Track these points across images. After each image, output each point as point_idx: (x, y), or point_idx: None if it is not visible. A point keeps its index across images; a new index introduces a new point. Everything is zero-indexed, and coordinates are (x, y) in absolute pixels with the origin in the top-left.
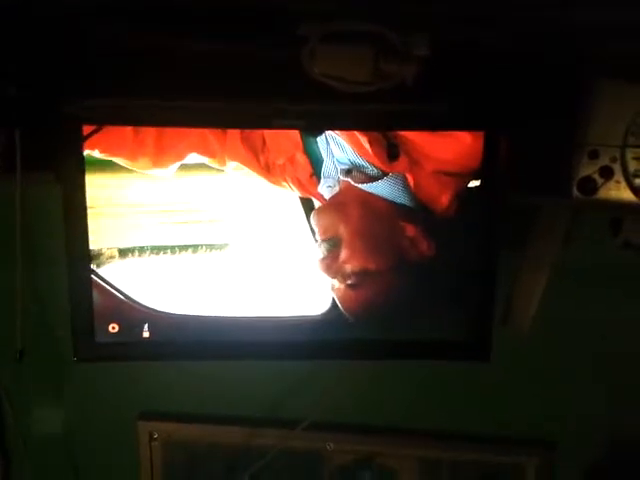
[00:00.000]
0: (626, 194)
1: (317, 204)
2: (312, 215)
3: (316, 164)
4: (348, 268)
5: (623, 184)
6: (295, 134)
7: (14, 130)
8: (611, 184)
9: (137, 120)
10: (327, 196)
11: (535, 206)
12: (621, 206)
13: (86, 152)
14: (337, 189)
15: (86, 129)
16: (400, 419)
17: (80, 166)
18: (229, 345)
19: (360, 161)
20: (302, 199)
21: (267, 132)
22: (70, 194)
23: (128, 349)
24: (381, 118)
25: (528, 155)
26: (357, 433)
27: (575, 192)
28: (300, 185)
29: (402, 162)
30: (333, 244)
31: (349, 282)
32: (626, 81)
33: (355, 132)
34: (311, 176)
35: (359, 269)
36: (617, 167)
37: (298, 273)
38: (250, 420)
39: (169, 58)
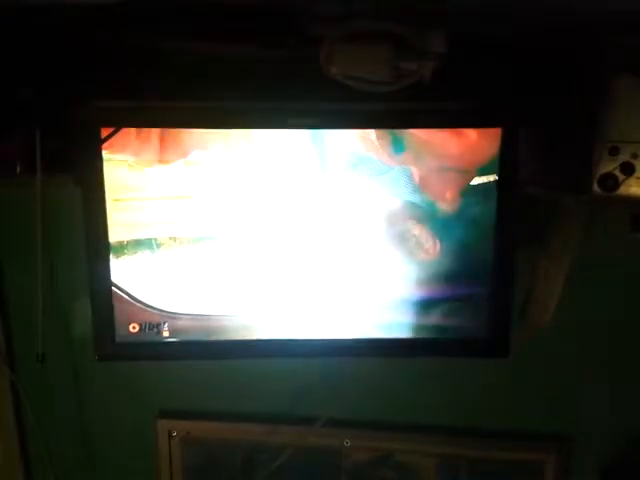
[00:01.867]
0: None
1: None
2: None
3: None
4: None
5: None
6: None
7: (33, 132)
8: (632, 180)
9: (152, 121)
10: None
11: (555, 202)
12: None
13: None
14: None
15: (104, 131)
16: (418, 416)
17: (99, 167)
18: (247, 344)
19: (366, 154)
20: None
21: None
22: (89, 195)
23: (148, 348)
24: (397, 116)
25: (548, 152)
26: (375, 430)
27: (595, 188)
28: None
29: (407, 156)
30: None
31: None
32: None
33: None
34: None
35: None
36: (638, 163)
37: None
38: (268, 417)
39: (185, 59)
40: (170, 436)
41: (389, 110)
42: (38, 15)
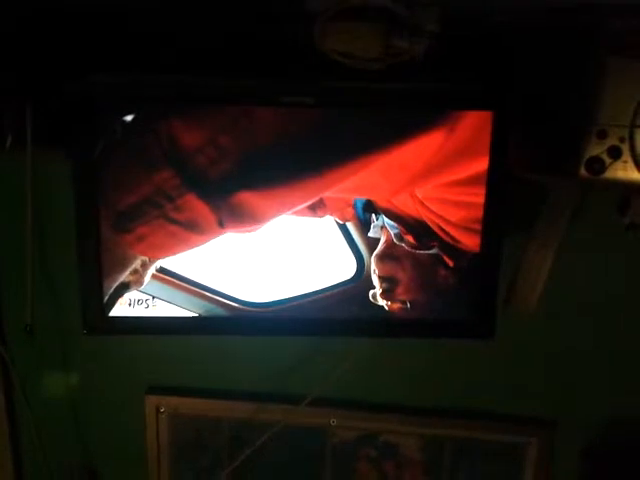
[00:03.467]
0: (634, 174)
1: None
2: (372, 258)
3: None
4: (401, 297)
5: (631, 164)
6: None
7: (25, 105)
8: (619, 164)
9: (146, 96)
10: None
11: (542, 185)
12: (629, 186)
13: None
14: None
15: None
16: (403, 396)
17: (90, 142)
18: (237, 321)
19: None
20: None
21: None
22: (80, 169)
23: (137, 323)
24: (391, 95)
25: (535, 134)
26: (361, 409)
27: (582, 172)
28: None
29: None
30: (391, 283)
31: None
32: (636, 60)
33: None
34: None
35: (411, 298)
36: (625, 147)
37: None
38: (255, 395)
39: (176, 34)
40: (158, 412)
41: (382, 89)
42: None
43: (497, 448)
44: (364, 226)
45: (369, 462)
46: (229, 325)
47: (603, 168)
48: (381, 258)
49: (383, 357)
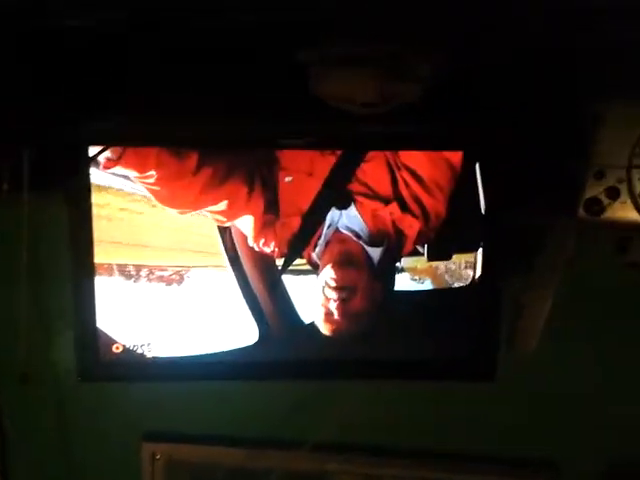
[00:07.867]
0: (632, 214)
1: None
2: (329, 268)
3: None
4: (358, 310)
5: (629, 205)
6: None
7: (21, 150)
8: (617, 205)
9: (139, 140)
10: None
11: (540, 226)
12: (627, 226)
13: None
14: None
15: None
16: (404, 440)
17: (86, 186)
18: (232, 366)
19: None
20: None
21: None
22: (76, 214)
23: (132, 369)
24: (384, 138)
25: (533, 176)
26: (361, 454)
27: (581, 212)
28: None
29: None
30: (349, 292)
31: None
32: (632, 101)
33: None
34: None
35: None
36: (623, 188)
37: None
38: (253, 441)
39: (174, 77)
40: (154, 459)
41: (376, 132)
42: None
43: None
44: None
45: None
46: (225, 370)
47: (602, 209)
48: None
49: (383, 399)
